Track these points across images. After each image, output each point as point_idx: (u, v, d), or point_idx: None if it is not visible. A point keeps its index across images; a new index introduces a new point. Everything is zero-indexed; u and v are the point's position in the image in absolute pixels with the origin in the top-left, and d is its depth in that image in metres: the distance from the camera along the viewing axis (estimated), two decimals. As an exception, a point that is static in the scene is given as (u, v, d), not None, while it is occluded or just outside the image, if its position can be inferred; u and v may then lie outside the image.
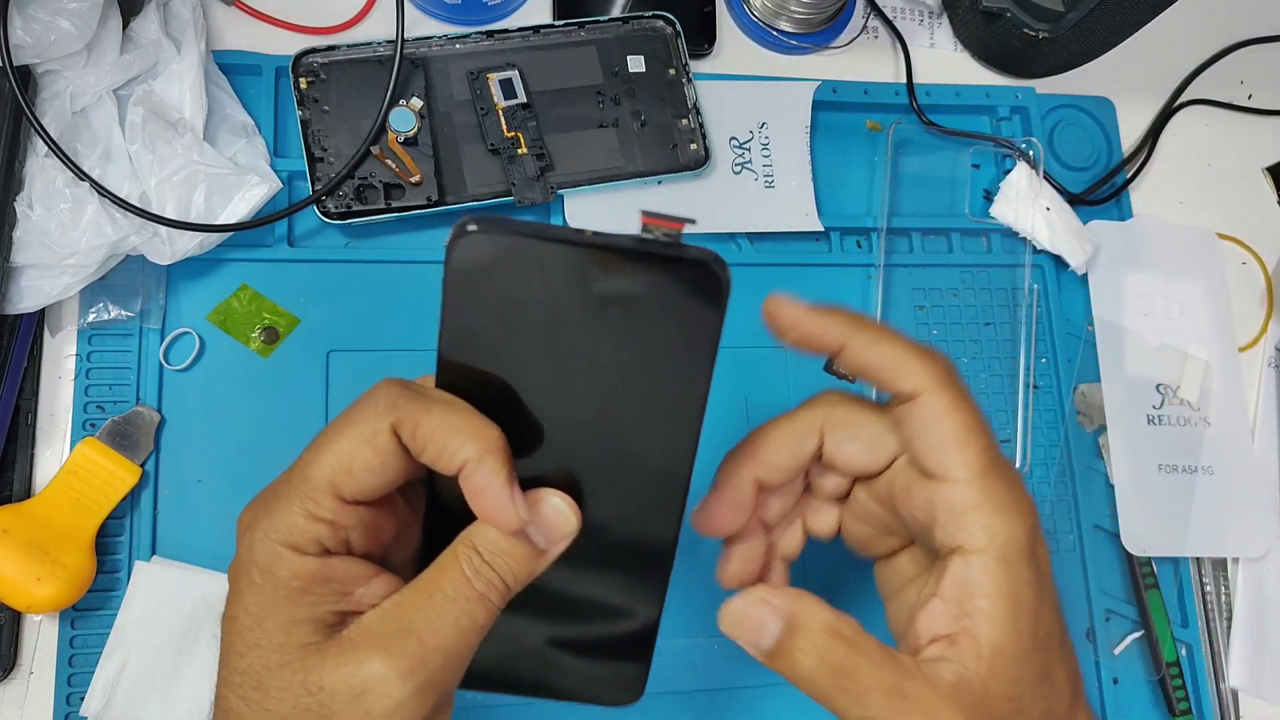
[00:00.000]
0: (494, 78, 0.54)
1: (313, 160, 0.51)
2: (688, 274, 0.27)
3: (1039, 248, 0.59)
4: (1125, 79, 0.66)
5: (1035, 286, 0.59)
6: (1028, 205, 0.59)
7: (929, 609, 0.30)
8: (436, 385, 0.28)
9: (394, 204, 0.51)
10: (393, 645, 0.27)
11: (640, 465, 0.29)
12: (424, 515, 0.31)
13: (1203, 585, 0.57)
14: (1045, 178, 0.60)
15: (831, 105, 0.60)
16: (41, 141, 0.45)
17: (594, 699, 0.33)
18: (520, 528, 0.27)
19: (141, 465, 0.46)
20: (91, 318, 0.48)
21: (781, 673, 0.29)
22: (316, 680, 0.27)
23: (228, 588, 0.29)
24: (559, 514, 0.29)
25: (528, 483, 0.28)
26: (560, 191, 0.53)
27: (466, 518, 0.28)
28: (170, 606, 0.45)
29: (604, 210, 0.54)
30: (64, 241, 0.45)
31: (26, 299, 0.46)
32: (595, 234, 0.26)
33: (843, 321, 0.30)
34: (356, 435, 0.27)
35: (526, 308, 0.27)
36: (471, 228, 0.26)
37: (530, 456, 0.29)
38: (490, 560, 0.28)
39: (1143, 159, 0.64)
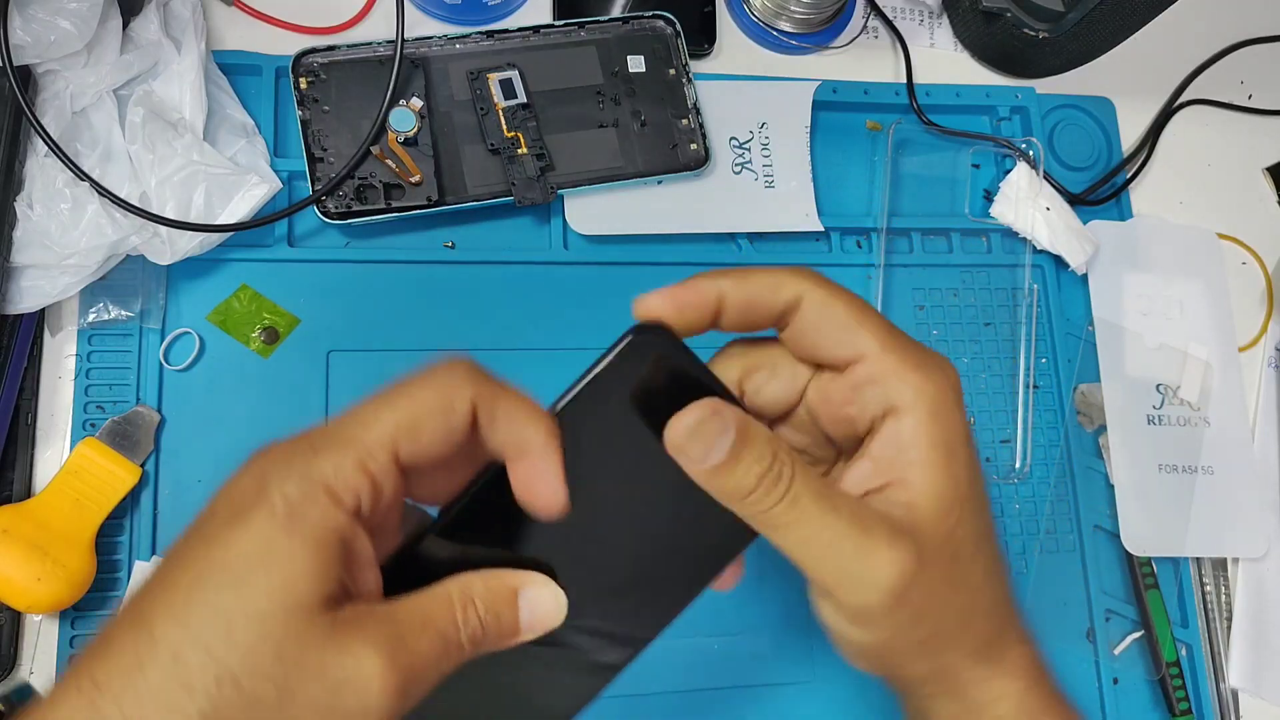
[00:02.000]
0: (494, 78, 0.54)
1: (313, 160, 0.51)
2: None
3: (1039, 248, 0.59)
4: (1125, 79, 0.66)
5: (1035, 286, 0.59)
6: (1028, 205, 0.59)
7: (854, 470, 0.30)
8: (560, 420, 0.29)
9: (394, 204, 0.51)
10: (391, 650, 0.25)
11: (662, 575, 0.30)
12: (438, 520, 0.30)
13: (1203, 585, 0.57)
14: (1045, 178, 0.60)
15: (831, 105, 0.60)
16: (41, 141, 0.45)
17: None
18: (559, 513, 0.28)
19: (141, 465, 0.46)
20: (91, 318, 0.48)
21: (723, 489, 0.29)
22: (296, 651, 0.24)
23: (205, 516, 0.26)
24: (553, 601, 0.29)
25: (570, 569, 0.29)
26: (560, 191, 0.53)
27: (474, 550, 0.29)
28: (170, 606, 0.45)
29: (604, 210, 0.54)
30: (64, 241, 0.45)
31: (26, 299, 0.46)
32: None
33: (710, 279, 0.30)
34: (431, 399, 0.27)
35: (646, 419, 0.29)
36: (647, 334, 0.29)
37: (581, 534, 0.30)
38: (483, 617, 0.27)
39: (1143, 159, 0.64)
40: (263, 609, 0.24)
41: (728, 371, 0.33)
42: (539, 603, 0.29)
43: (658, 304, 0.30)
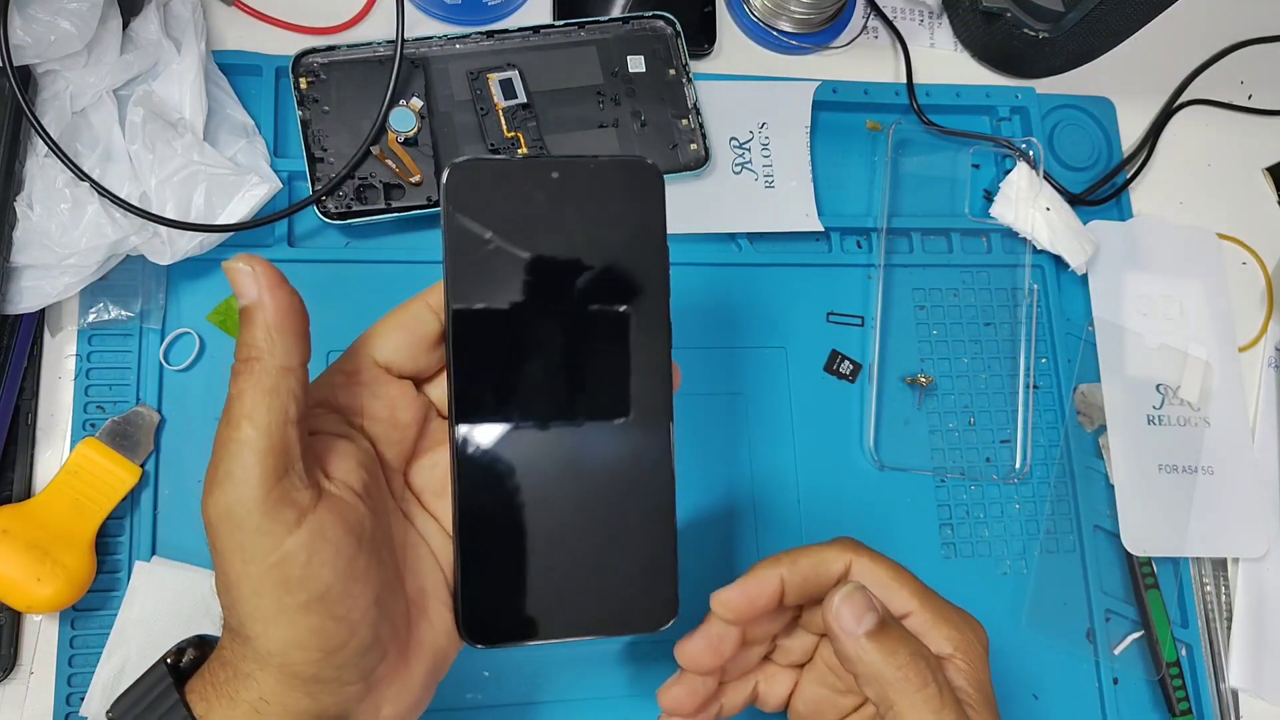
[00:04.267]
0: (494, 78, 0.54)
1: (313, 160, 0.51)
2: (631, 167, 0.34)
3: (1039, 248, 0.59)
4: (1125, 79, 0.66)
5: (1035, 286, 0.59)
6: (1028, 205, 0.59)
7: None
8: (446, 296, 0.33)
9: (394, 204, 0.51)
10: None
11: (625, 343, 0.34)
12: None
13: (1203, 585, 0.57)
14: (1045, 178, 0.60)
15: (831, 105, 0.60)
16: (41, 141, 0.45)
17: (632, 628, 0.35)
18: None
19: (141, 465, 0.46)
20: (91, 318, 0.48)
21: (869, 660, 0.33)
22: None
23: None
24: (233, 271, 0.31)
25: (524, 379, 0.33)
26: (560, 191, 0.53)
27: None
28: (170, 606, 0.45)
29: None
30: (64, 241, 0.45)
31: (26, 299, 0.46)
32: (552, 154, 0.35)
33: (769, 567, 0.36)
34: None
35: (510, 219, 0.33)
36: (457, 160, 0.33)
37: (526, 354, 0.33)
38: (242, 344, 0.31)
39: (1143, 159, 0.64)
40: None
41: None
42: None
43: (735, 597, 0.35)
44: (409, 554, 0.33)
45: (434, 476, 0.35)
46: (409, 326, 0.34)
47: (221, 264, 0.31)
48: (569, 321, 0.33)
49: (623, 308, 0.33)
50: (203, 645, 0.34)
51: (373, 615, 0.30)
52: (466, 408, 0.33)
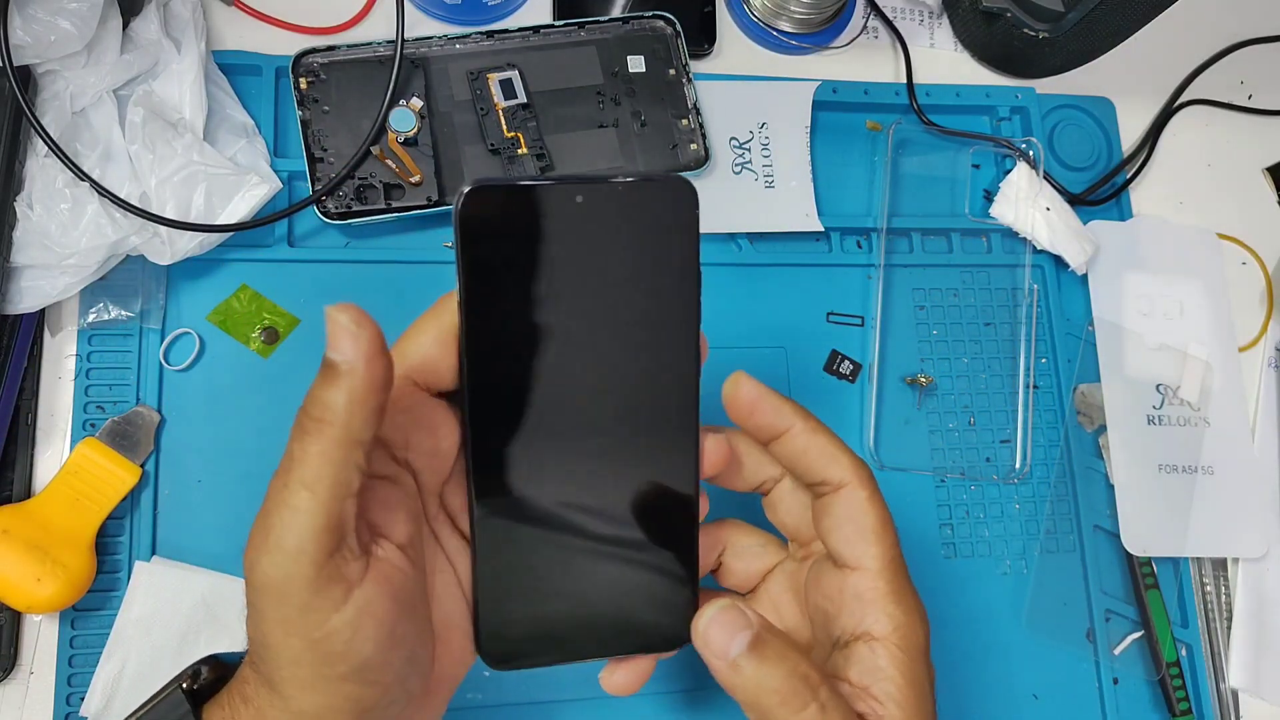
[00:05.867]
0: (494, 78, 0.54)
1: (313, 160, 0.51)
2: (664, 187, 0.31)
3: (1039, 248, 0.59)
4: (1125, 79, 0.66)
5: (1035, 286, 0.59)
6: (1028, 205, 0.59)
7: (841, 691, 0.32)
8: (461, 329, 0.31)
9: (394, 204, 0.51)
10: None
11: (650, 368, 0.32)
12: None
13: (1203, 585, 0.57)
14: (1045, 178, 0.60)
15: (831, 105, 0.60)
16: (41, 141, 0.45)
17: (650, 648, 0.34)
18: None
19: (141, 465, 0.46)
20: (91, 318, 0.48)
21: (743, 684, 0.31)
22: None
23: None
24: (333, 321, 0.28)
25: (545, 409, 0.32)
26: (560, 191, 0.53)
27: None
28: (170, 606, 0.45)
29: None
30: (64, 241, 0.45)
31: (26, 299, 0.46)
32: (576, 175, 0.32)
33: (792, 409, 0.34)
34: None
35: (530, 246, 0.31)
36: (472, 184, 0.30)
37: (547, 382, 0.32)
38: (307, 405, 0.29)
39: (1143, 159, 0.64)
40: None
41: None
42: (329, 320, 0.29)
43: (748, 388, 0.34)
44: (437, 580, 0.33)
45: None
46: (445, 332, 0.31)
47: (325, 308, 0.27)
48: (591, 351, 0.32)
49: (647, 338, 0.32)
50: (218, 665, 0.34)
51: (405, 672, 0.30)
52: (483, 434, 0.32)
